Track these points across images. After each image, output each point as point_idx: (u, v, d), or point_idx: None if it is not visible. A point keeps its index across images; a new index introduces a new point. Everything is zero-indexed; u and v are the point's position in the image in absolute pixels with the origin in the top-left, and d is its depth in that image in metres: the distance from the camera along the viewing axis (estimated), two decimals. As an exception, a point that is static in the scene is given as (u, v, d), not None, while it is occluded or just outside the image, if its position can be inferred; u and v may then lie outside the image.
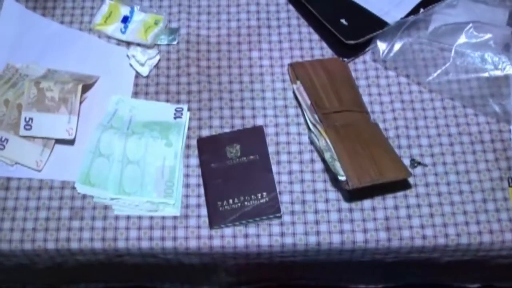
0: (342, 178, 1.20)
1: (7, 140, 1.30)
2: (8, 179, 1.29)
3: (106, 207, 1.26)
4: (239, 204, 1.24)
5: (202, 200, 1.27)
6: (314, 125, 1.28)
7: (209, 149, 1.30)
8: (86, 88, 1.32)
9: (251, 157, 1.29)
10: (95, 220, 1.25)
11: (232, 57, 1.41)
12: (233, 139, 1.30)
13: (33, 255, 1.25)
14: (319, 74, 1.35)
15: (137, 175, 1.27)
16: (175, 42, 1.42)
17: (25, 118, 1.29)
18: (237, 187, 1.26)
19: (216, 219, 1.23)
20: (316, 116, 1.28)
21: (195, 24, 1.45)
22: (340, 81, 1.37)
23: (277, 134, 1.33)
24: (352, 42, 1.38)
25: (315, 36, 1.45)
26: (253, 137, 1.31)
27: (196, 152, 1.31)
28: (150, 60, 1.37)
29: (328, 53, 1.43)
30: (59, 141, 1.31)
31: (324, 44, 1.44)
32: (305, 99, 1.32)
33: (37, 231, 1.25)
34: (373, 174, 1.21)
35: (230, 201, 1.25)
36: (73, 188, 1.28)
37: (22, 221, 1.26)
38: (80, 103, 1.30)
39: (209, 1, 1.49)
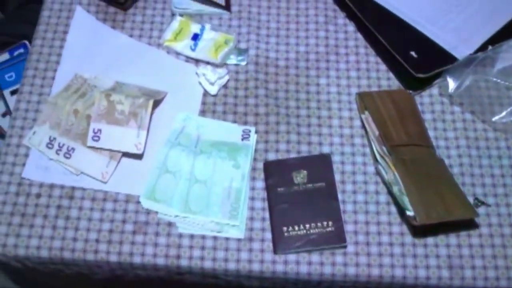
0: (410, 213, 1.19)
1: (73, 149, 1.30)
2: (73, 188, 1.29)
3: (170, 224, 1.25)
4: (305, 231, 1.24)
5: (267, 224, 1.26)
6: (382, 157, 1.28)
7: (275, 173, 1.29)
8: (155, 103, 1.31)
9: (318, 184, 1.28)
10: (158, 236, 1.24)
11: (300, 82, 1.41)
12: (300, 165, 1.30)
13: (95, 266, 1.25)
14: (387, 105, 1.35)
15: (203, 194, 1.26)
16: (244, 63, 1.42)
17: (94, 129, 1.29)
18: (303, 214, 1.25)
19: (281, 245, 1.23)
20: (384, 148, 1.28)
21: (264, 46, 1.45)
22: (407, 114, 1.36)
23: (343, 163, 1.32)
24: (422, 75, 1.37)
25: (383, 66, 1.44)
26: (320, 164, 1.31)
27: (262, 175, 1.30)
28: (219, 80, 1.37)
29: (394, 84, 1.42)
30: (125, 154, 1.30)
31: (391, 75, 1.43)
32: (373, 130, 1.31)
33: (100, 242, 1.24)
34: (441, 211, 1.20)
35: (296, 227, 1.24)
36: (138, 202, 1.28)
37: (86, 231, 1.25)
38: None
39: (278, 23, 1.48)
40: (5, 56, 1.84)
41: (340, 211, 1.26)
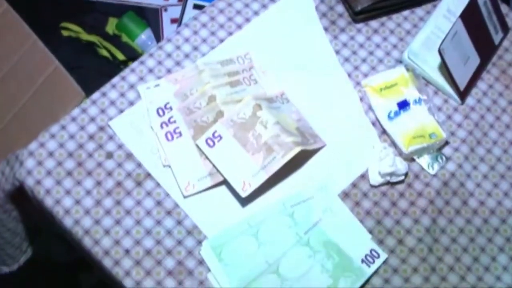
0: None
1: (180, 135, 1.01)
2: (148, 175, 1.00)
3: (213, 293, 0.93)
4: None
5: None
6: None
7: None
8: (302, 153, 0.96)
9: None
10: (190, 298, 0.92)
11: (476, 240, 1.08)
12: None
13: (108, 275, 0.98)
14: None
15: (271, 291, 0.92)
16: (432, 172, 1.05)
17: (215, 132, 0.98)
18: None
19: None
20: None
21: (469, 169, 1.08)
22: None
23: None
24: None
25: None
26: None
27: (352, 316, 0.94)
28: (391, 176, 1.01)
29: None
30: (226, 183, 0.98)
31: None
32: None
33: (128, 256, 0.96)
34: None
35: None
36: (199, 243, 1.00)
37: (124, 232, 0.97)
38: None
39: (505, 154, 1.08)
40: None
41: None
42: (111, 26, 1.63)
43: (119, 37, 1.60)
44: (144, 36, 1.58)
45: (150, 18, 1.63)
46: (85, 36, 1.61)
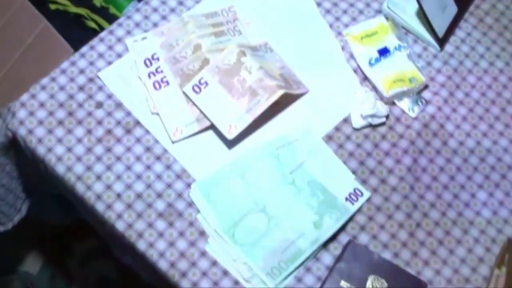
0: None
1: (167, 84, 1.04)
2: (137, 123, 1.03)
3: (202, 234, 0.99)
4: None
5: (304, 307, 0.95)
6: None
7: (353, 263, 0.98)
8: (286, 98, 1.00)
9: (391, 307, 0.95)
10: (181, 238, 0.99)
11: (455, 178, 1.11)
12: (386, 273, 0.99)
13: (99, 219, 1.01)
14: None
15: (258, 230, 0.99)
16: (412, 115, 1.08)
17: (201, 79, 1.01)
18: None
19: None
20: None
21: (448, 111, 1.11)
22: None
23: (436, 301, 0.98)
24: None
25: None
26: (409, 288, 0.96)
27: (338, 251, 1.01)
28: (373, 118, 1.05)
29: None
30: (213, 127, 1.02)
31: None
32: (497, 292, 0.96)
33: (119, 200, 0.99)
34: None
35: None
36: (188, 186, 1.02)
37: (115, 178, 1.00)
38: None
39: (483, 97, 1.12)
40: None
41: None
42: (98, -2, 1.64)
43: (107, 9, 1.61)
44: (132, 8, 1.60)
45: (137, -11, 1.64)
46: (73, 9, 1.63)
